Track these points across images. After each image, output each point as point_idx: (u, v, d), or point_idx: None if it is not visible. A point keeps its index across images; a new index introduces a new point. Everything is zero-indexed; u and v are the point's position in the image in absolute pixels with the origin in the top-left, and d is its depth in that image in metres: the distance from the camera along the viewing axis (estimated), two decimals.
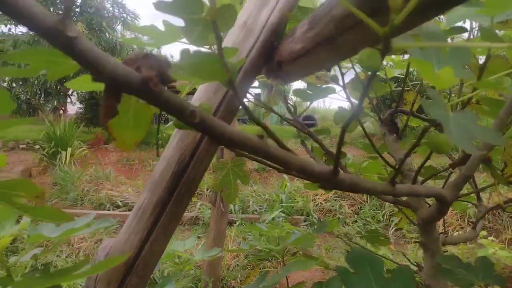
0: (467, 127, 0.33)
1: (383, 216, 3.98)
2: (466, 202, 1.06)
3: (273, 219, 3.54)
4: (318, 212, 4.22)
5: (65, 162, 5.44)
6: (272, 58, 0.54)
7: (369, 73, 0.28)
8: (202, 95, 0.59)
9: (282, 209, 3.83)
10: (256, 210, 4.02)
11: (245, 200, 4.17)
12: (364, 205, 4.26)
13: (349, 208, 4.27)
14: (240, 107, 0.61)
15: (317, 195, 4.53)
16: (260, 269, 2.62)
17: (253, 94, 1.01)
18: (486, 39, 0.47)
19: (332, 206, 4.26)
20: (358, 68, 0.85)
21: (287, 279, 0.99)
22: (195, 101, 0.59)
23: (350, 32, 0.39)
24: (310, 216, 3.92)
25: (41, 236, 0.57)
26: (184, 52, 0.33)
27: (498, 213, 4.00)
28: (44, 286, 0.43)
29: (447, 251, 0.91)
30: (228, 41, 0.58)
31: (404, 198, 0.77)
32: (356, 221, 3.97)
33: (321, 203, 4.36)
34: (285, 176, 4.81)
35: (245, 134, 0.36)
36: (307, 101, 0.96)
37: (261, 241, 1.48)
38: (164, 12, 0.34)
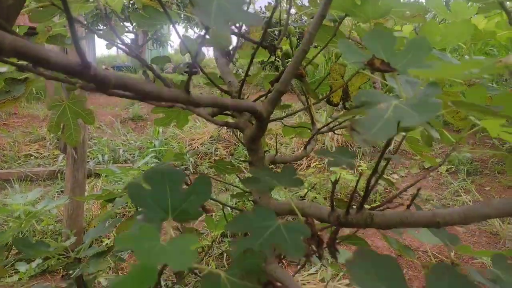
0: (229, 11, 0.31)
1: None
2: (302, 127, 1.14)
3: (146, 164, 3.42)
4: (194, 156, 4.24)
5: None
6: None
7: None
8: None
9: (154, 154, 3.71)
10: (128, 159, 3.83)
11: (116, 150, 3.91)
12: (238, 146, 4.43)
13: (224, 150, 4.40)
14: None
15: (193, 139, 4.53)
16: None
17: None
18: None
19: (208, 149, 4.32)
20: None
21: None
22: None
23: None
24: (185, 160, 3.91)
25: None
26: None
27: (350, 145, 4.65)
28: None
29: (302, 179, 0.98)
30: None
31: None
32: (231, 162, 4.13)
33: (197, 147, 4.38)
34: None
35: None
36: (145, 28, 0.86)
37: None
38: None
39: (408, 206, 0.54)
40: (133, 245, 0.33)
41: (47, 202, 1.32)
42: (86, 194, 2.18)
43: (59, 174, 3.41)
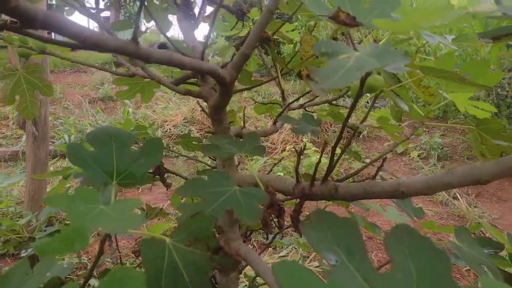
0: None
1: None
2: (272, 104, 1.12)
3: None
4: (167, 138, 4.15)
5: None
6: None
7: None
8: None
9: None
10: None
11: (83, 130, 3.77)
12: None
13: (198, 132, 4.33)
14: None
15: (165, 121, 4.43)
16: None
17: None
18: None
19: (181, 131, 4.24)
20: None
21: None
22: None
23: None
24: (148, 135, 3.81)
25: None
26: None
27: (326, 129, 4.69)
28: None
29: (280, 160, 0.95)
30: None
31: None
32: (198, 137, 4.07)
33: (170, 129, 4.29)
34: (127, 102, 4.50)
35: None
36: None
37: None
38: None
39: (374, 177, 0.52)
40: (65, 206, 0.29)
41: (2, 179, 1.24)
42: None
43: (21, 155, 3.25)
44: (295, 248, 1.98)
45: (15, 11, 0.28)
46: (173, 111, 4.64)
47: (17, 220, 2.05)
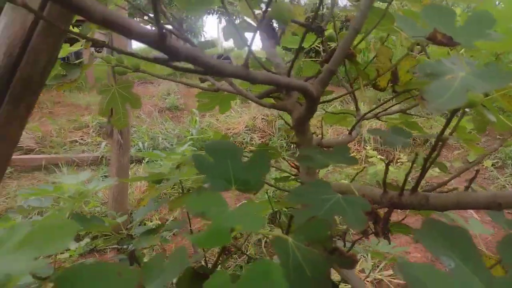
0: None
1: (288, 144, 4.23)
2: (346, 113, 1.13)
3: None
4: None
5: None
6: None
7: None
8: None
9: (192, 142, 3.80)
10: (166, 147, 3.94)
11: (155, 138, 4.04)
12: (273, 136, 4.45)
13: (259, 140, 4.43)
14: None
15: (228, 129, 4.59)
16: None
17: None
18: None
19: (244, 139, 4.36)
20: None
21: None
22: None
23: None
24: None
25: None
26: None
27: None
28: None
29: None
30: None
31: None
32: (273, 147, 4.16)
33: (232, 136, 4.43)
34: (195, 112, 4.74)
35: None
36: (188, 10, 0.88)
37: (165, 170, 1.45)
38: None
39: (466, 188, 0.53)
40: (203, 209, 0.35)
41: (96, 182, 1.39)
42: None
43: (103, 160, 3.58)
44: (363, 256, 1.95)
45: (168, 49, 0.34)
46: (235, 119, 4.80)
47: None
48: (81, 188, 1.45)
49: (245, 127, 4.63)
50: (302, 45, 1.07)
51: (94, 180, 1.63)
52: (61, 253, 1.94)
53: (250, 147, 4.27)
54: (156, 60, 0.37)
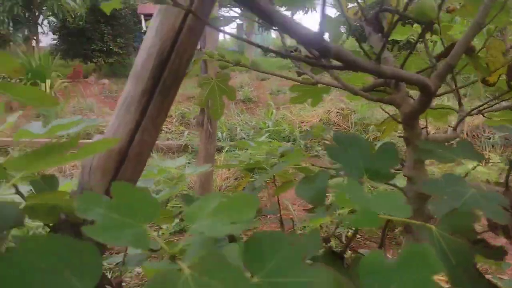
0: None
1: (367, 139, 4.10)
2: (448, 109, 1.08)
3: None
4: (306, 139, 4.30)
5: None
6: None
7: None
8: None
9: (268, 134, 3.89)
10: (243, 138, 4.08)
11: (233, 128, 4.21)
12: (349, 130, 4.35)
13: None
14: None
15: (302, 122, 4.60)
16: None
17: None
18: None
19: None
20: None
21: (274, 178, 1.04)
22: (152, 28, 0.55)
23: None
24: (297, 142, 4.00)
25: (28, 133, 0.57)
26: None
27: (477, 135, 4.17)
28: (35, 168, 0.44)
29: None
30: None
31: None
32: None
33: (306, 129, 4.43)
34: (270, 102, 4.82)
35: None
36: (292, 6, 0.92)
37: (249, 160, 1.53)
38: None
39: None
40: (346, 192, 0.38)
41: (194, 168, 1.52)
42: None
43: (187, 147, 3.83)
44: None
45: (321, 46, 0.38)
46: (309, 112, 4.79)
47: None
48: (179, 173, 1.59)
49: (319, 120, 4.60)
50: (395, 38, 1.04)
51: (190, 166, 1.76)
52: (154, 231, 2.14)
53: (325, 141, 4.23)
54: (305, 60, 0.41)
